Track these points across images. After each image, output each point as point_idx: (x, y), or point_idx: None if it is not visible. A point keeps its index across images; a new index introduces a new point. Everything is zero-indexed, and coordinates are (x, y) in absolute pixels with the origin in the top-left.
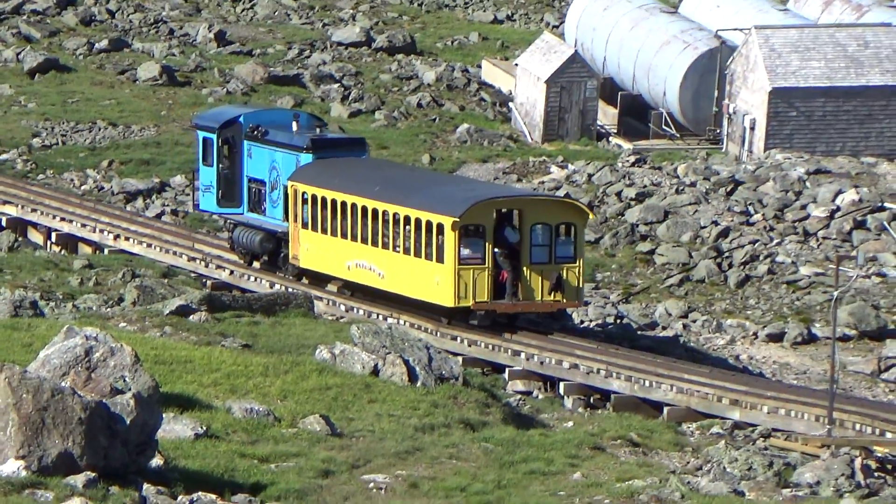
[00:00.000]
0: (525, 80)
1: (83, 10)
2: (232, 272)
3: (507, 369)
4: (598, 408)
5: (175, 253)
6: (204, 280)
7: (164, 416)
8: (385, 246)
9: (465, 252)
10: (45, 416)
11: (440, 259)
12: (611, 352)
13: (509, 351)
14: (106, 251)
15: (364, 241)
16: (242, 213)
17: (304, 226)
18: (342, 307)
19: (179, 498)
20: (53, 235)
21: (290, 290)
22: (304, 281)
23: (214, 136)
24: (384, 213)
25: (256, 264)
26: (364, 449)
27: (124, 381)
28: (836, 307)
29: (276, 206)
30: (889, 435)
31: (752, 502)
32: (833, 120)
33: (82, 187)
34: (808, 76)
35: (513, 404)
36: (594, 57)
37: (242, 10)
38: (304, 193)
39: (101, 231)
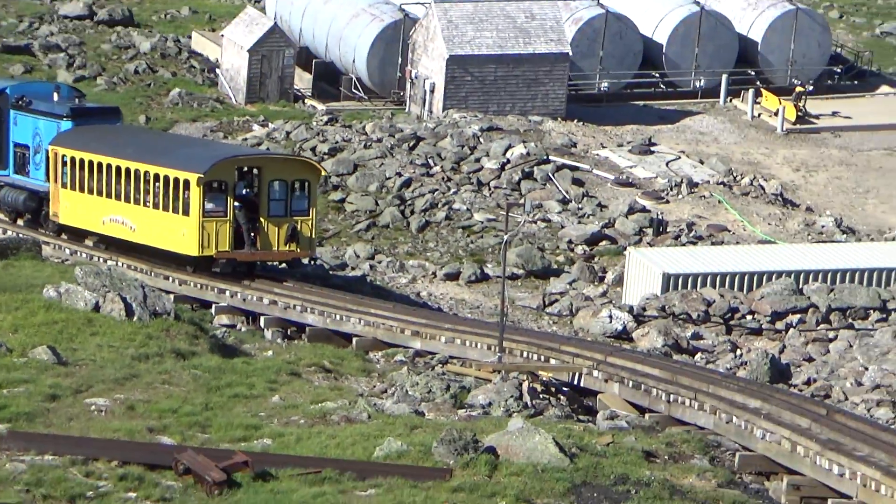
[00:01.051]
0: (230, 50)
1: None
2: None
3: (213, 305)
4: (294, 339)
5: None
6: None
7: None
8: (136, 202)
9: (209, 206)
10: None
11: (186, 212)
12: (306, 289)
13: (215, 289)
14: None
15: (118, 197)
16: (9, 175)
17: (64, 185)
18: (67, 251)
19: None
20: None
21: (20, 235)
22: (64, 236)
23: None
24: (136, 171)
25: (21, 222)
26: (86, 376)
27: None
28: (505, 249)
29: (38, 169)
30: (553, 361)
31: (431, 421)
32: (503, 84)
33: None
34: (481, 45)
35: (219, 336)
36: (291, 28)
37: None
38: (63, 156)
39: None
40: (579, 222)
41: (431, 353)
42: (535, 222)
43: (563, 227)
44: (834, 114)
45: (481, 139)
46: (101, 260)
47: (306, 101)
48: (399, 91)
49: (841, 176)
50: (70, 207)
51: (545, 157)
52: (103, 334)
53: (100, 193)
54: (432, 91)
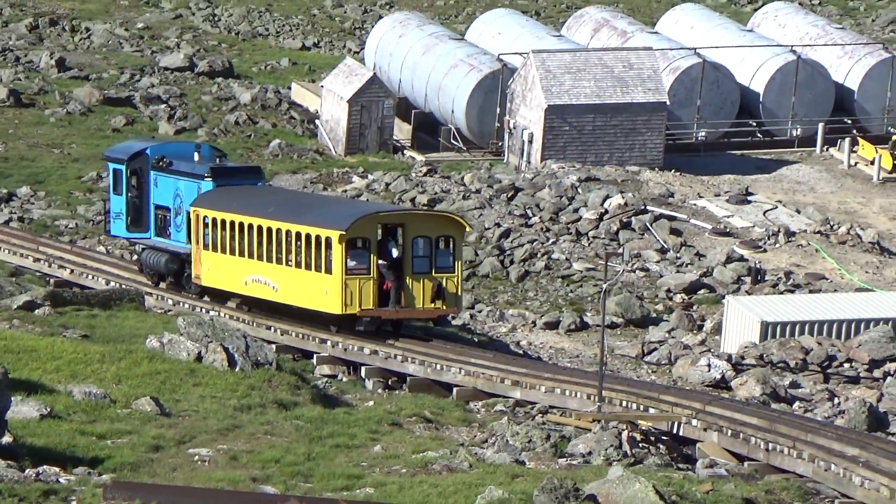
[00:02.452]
0: (330, 100)
1: None
2: (72, 271)
3: (315, 355)
4: (395, 389)
5: (22, 255)
6: (48, 278)
7: (12, 399)
8: (278, 261)
9: (352, 263)
10: None
11: (328, 270)
12: (406, 339)
13: (317, 339)
14: None
15: (259, 257)
16: (150, 238)
17: (206, 247)
18: (169, 301)
19: (27, 471)
20: None
21: (122, 286)
22: (206, 299)
23: (124, 168)
24: (277, 231)
25: (163, 284)
26: (189, 426)
27: None
28: (604, 298)
29: (180, 231)
30: (652, 411)
31: (531, 470)
32: (601, 133)
33: None
34: (579, 94)
35: (320, 386)
36: (391, 79)
37: (80, 40)
38: (205, 217)
39: None
40: (678, 271)
41: (531, 403)
42: (634, 271)
43: (661, 276)
44: None
45: (579, 189)
46: (203, 310)
47: (405, 151)
48: (497, 141)
49: None
50: (212, 269)
51: (643, 208)
52: (206, 385)
53: (241, 254)
54: (530, 141)
